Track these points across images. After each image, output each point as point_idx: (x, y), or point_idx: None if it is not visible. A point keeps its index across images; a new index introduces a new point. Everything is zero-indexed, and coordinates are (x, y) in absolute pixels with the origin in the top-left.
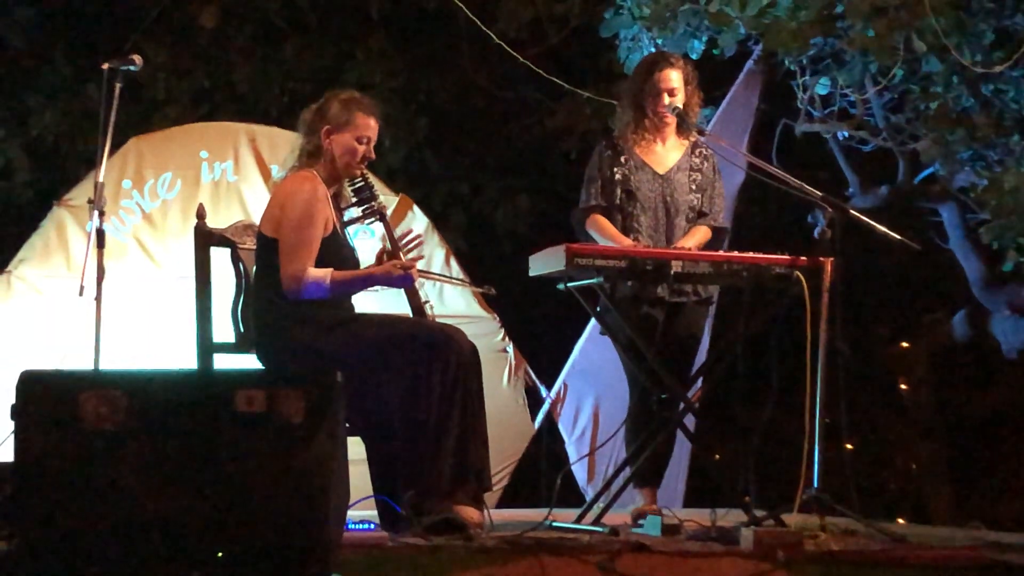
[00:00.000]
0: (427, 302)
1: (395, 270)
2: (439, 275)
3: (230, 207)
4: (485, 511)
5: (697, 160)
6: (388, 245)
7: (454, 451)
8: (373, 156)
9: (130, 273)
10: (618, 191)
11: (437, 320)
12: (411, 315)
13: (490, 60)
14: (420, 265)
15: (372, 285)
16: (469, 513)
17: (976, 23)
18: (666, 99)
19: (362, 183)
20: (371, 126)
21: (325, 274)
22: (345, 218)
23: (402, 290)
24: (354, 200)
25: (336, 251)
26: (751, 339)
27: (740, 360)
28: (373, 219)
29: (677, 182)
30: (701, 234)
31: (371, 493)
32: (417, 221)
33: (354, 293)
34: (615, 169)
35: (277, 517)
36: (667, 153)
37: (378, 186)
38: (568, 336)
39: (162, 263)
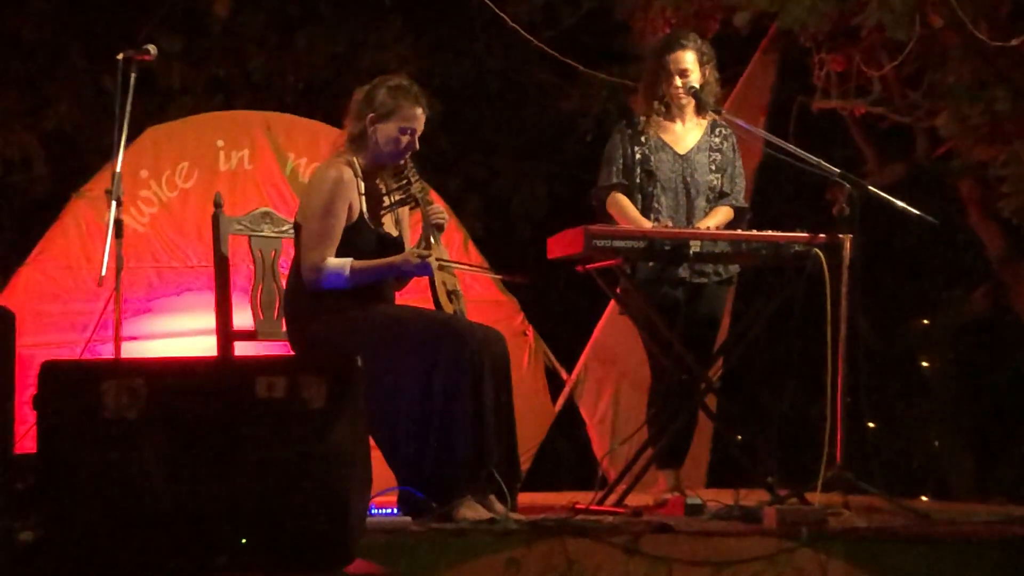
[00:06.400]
0: (453, 291)
1: (412, 258)
2: (465, 264)
3: (247, 195)
4: (507, 503)
5: (716, 140)
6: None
7: (465, 444)
8: (417, 147)
9: (149, 263)
10: (638, 171)
11: (462, 311)
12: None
13: (504, 43)
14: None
15: (393, 275)
16: (466, 512)
17: None
18: (679, 80)
19: (402, 168)
20: (417, 116)
21: (344, 263)
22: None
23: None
24: (393, 186)
25: (358, 239)
26: (771, 318)
27: (761, 339)
28: (408, 204)
29: (697, 162)
30: (722, 214)
31: (392, 482)
32: None
33: (375, 282)
34: (635, 148)
35: (300, 503)
36: (686, 133)
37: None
38: (588, 318)
39: (181, 252)
